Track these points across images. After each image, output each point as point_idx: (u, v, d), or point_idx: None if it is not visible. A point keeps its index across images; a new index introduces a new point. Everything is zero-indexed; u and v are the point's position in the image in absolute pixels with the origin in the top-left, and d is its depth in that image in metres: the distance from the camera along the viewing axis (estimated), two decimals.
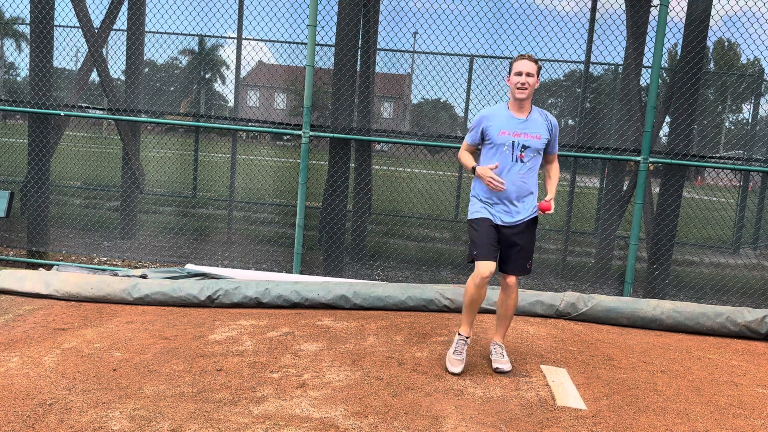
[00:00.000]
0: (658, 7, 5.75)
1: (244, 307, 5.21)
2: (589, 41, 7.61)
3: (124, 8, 7.75)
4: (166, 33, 8.61)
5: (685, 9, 6.29)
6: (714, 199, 10.39)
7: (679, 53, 6.50)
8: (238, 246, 8.38)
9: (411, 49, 10.71)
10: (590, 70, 8.27)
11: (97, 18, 7.63)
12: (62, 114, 6.81)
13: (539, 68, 3.79)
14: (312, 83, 6.09)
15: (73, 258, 7.38)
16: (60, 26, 8.07)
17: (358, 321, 4.86)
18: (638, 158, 5.95)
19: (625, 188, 7.11)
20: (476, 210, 3.89)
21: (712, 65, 12.32)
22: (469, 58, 10.23)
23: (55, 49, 7.10)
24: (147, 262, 7.31)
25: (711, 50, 12.13)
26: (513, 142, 3.74)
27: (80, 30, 7.41)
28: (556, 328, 4.97)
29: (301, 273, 6.37)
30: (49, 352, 3.96)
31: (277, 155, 12.46)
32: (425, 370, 3.84)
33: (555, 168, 4.01)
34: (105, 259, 7.46)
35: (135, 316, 4.91)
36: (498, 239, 3.82)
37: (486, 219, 3.82)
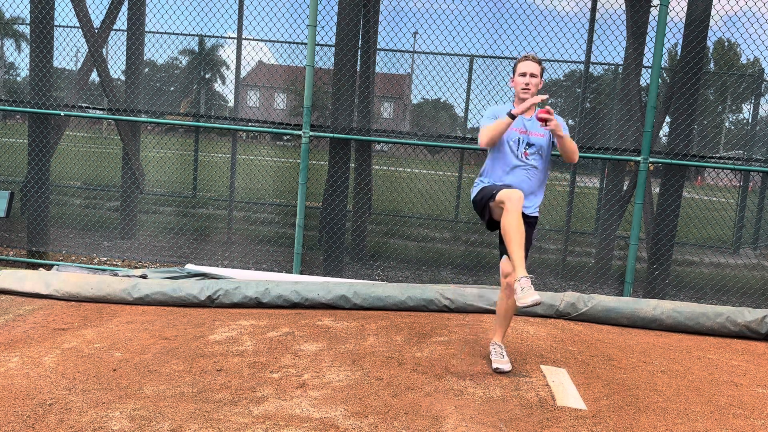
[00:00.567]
0: (658, 7, 5.75)
1: (244, 307, 5.21)
2: (589, 41, 7.61)
3: (124, 8, 7.75)
4: (166, 33, 8.62)
5: (685, 9, 6.29)
6: (714, 199, 10.40)
7: (679, 53, 6.50)
8: (238, 246, 8.38)
9: (411, 49, 10.71)
10: (590, 70, 8.26)
11: (97, 18, 7.64)
12: (62, 114, 6.82)
13: (542, 69, 3.83)
14: (312, 83, 6.09)
15: (73, 258, 7.38)
16: (60, 26, 8.06)
17: (358, 321, 4.86)
18: (638, 158, 5.95)
19: (625, 188, 7.11)
20: (482, 185, 3.88)
21: (712, 65, 12.31)
22: (469, 58, 10.23)
23: (55, 49, 7.10)
24: (147, 262, 7.31)
25: (711, 50, 12.13)
26: (519, 138, 3.80)
27: (80, 30, 7.40)
28: (556, 328, 4.97)
29: (301, 273, 6.37)
30: (49, 352, 3.96)
31: (277, 155, 12.46)
32: (425, 370, 3.84)
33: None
34: (105, 259, 7.46)
35: (135, 316, 4.91)
36: None
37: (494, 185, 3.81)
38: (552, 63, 9.70)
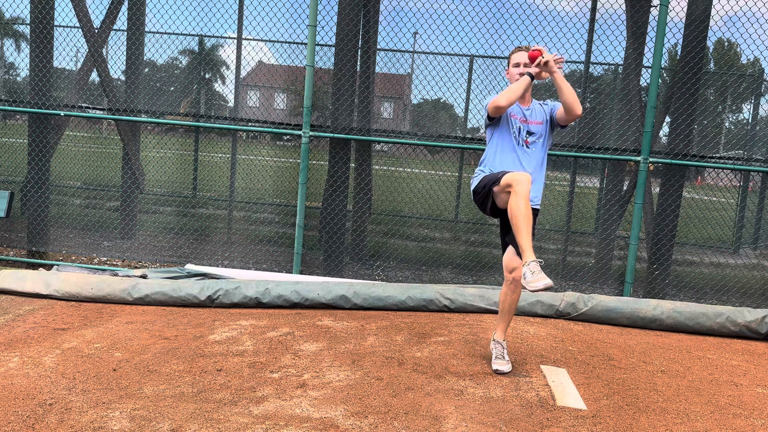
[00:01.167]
0: (658, 7, 5.75)
1: (244, 307, 5.21)
2: (589, 41, 7.61)
3: (124, 8, 7.75)
4: (166, 33, 8.63)
5: (685, 9, 6.29)
6: (714, 199, 10.39)
7: (679, 53, 6.50)
8: (238, 246, 8.38)
9: (411, 49, 10.71)
10: (590, 70, 8.27)
11: (97, 18, 7.65)
12: (62, 114, 6.81)
13: None
14: (312, 83, 6.09)
15: (73, 258, 7.38)
16: (60, 26, 8.06)
17: (358, 321, 4.86)
18: (638, 158, 5.95)
19: (625, 188, 7.11)
20: (483, 174, 3.85)
21: (712, 65, 12.31)
22: (469, 58, 10.23)
23: (55, 49, 7.09)
24: (147, 262, 7.31)
25: (711, 50, 12.13)
26: (520, 127, 3.82)
27: (80, 30, 7.41)
28: (556, 328, 4.97)
29: (301, 273, 6.37)
30: (49, 352, 3.96)
31: (277, 155, 12.46)
32: (425, 370, 3.84)
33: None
34: (105, 259, 7.46)
35: (135, 316, 4.91)
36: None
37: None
38: None
